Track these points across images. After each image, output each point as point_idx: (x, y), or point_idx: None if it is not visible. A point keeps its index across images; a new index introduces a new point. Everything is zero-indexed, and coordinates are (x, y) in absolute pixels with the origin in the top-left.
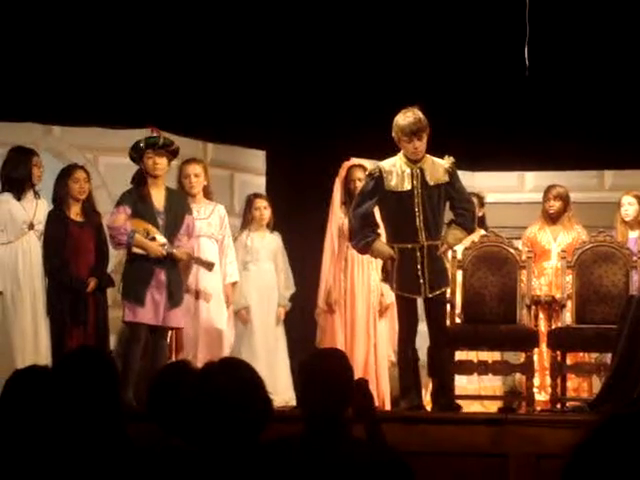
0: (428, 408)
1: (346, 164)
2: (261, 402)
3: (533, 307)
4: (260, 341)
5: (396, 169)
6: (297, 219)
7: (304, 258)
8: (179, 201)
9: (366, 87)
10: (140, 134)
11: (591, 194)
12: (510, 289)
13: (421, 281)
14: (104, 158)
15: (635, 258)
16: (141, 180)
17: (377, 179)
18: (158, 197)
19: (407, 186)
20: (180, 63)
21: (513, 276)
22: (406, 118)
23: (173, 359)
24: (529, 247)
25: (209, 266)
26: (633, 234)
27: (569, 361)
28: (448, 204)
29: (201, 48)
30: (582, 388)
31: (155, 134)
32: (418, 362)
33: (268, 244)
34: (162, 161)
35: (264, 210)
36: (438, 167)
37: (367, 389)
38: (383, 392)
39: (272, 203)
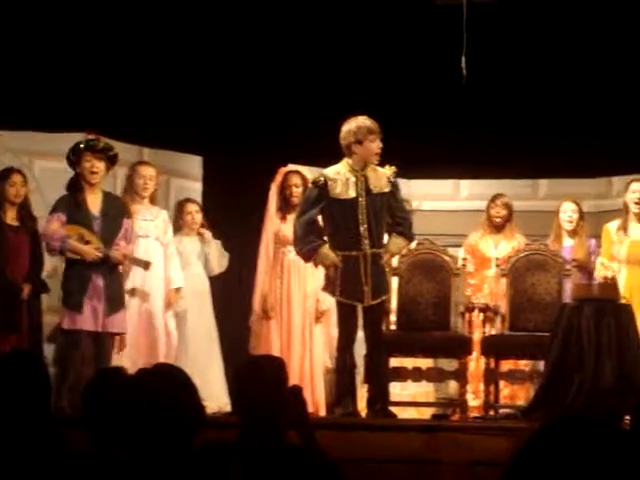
0: (363, 415)
1: (282, 170)
2: (194, 409)
3: (467, 314)
4: (194, 346)
5: (340, 177)
6: (233, 225)
7: (240, 264)
8: (116, 205)
9: (303, 94)
10: (78, 138)
11: (525, 203)
12: (444, 296)
13: (364, 289)
14: (40, 162)
15: (568, 266)
16: (77, 186)
17: (322, 187)
18: (94, 202)
19: (352, 194)
20: (117, 67)
21: (447, 283)
22: (367, 119)
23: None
24: (470, 255)
25: (145, 265)
26: (568, 242)
27: (503, 368)
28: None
29: (138, 53)
30: (518, 396)
31: (95, 137)
32: (355, 369)
33: (201, 248)
34: (100, 165)
35: (195, 214)
36: (381, 176)
37: (301, 396)
38: (318, 398)
39: (208, 208)
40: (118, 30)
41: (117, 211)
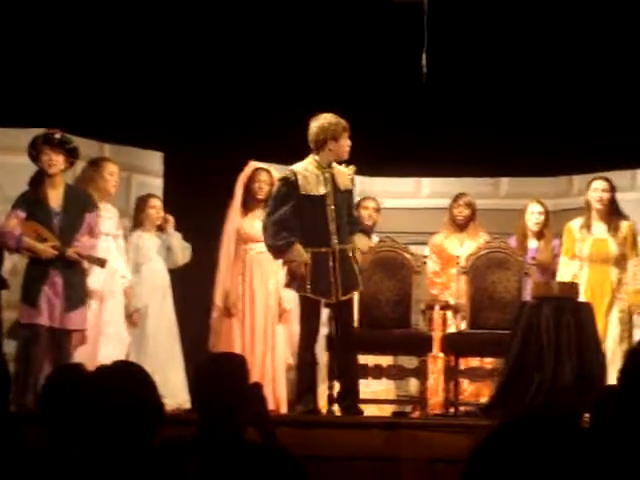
0: (323, 412)
1: (251, 166)
2: (153, 406)
3: (428, 312)
4: (154, 343)
5: (309, 173)
6: (194, 221)
7: (201, 260)
8: (79, 199)
9: (265, 92)
10: (37, 132)
11: (486, 201)
12: (405, 294)
13: (334, 285)
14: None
15: (528, 265)
16: (38, 181)
17: (292, 183)
18: (55, 197)
19: (322, 190)
20: (78, 63)
21: (408, 281)
22: (336, 117)
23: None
24: (436, 255)
25: (101, 263)
26: (533, 244)
27: (463, 366)
28: None
29: (98, 47)
30: (482, 393)
31: (54, 131)
32: (317, 366)
33: (162, 243)
34: (58, 158)
35: (160, 210)
36: (343, 174)
37: (261, 393)
38: (280, 396)
39: (169, 205)
40: (77, 25)
41: (80, 205)
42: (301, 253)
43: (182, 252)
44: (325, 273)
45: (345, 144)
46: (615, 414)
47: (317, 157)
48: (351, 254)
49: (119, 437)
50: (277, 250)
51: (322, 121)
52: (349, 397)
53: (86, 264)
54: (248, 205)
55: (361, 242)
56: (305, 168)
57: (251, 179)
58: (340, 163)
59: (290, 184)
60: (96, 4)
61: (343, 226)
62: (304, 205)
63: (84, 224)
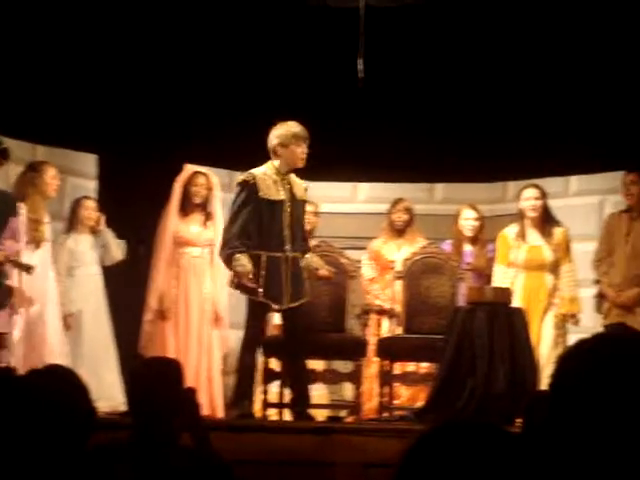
0: (258, 416)
1: (189, 169)
2: (85, 409)
3: (363, 316)
4: (88, 346)
5: (267, 177)
6: (128, 223)
7: (135, 263)
8: (2, 203)
9: (200, 94)
10: None
11: (422, 206)
12: (340, 298)
13: (285, 291)
14: None
15: (462, 270)
16: None
17: (251, 187)
18: None
19: (281, 195)
20: (10, 63)
21: (343, 285)
22: (297, 125)
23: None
24: (374, 261)
25: (27, 269)
26: (468, 248)
27: (399, 370)
28: None
29: (32, 47)
30: (419, 397)
31: None
32: (255, 370)
33: (96, 247)
34: None
35: (94, 212)
36: (299, 185)
37: (195, 398)
38: (215, 400)
39: (104, 207)
40: (6, 26)
41: (3, 209)
42: (244, 264)
43: (117, 248)
44: (277, 279)
45: (295, 152)
46: (545, 419)
47: (275, 163)
48: (302, 264)
49: (50, 441)
50: (223, 260)
51: (276, 128)
52: (301, 403)
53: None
54: (185, 209)
55: (315, 262)
56: (264, 172)
57: (188, 183)
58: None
59: (249, 187)
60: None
61: (297, 234)
62: (262, 209)
63: (7, 228)
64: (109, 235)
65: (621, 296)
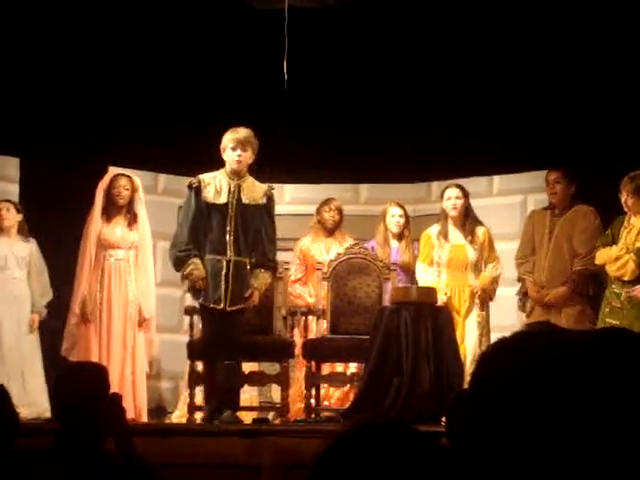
0: (184, 420)
1: (111, 172)
2: (6, 416)
3: (289, 318)
4: (8, 352)
5: (215, 182)
6: (51, 227)
7: (58, 267)
8: None
9: (126, 97)
10: None
11: (347, 207)
12: (267, 300)
13: (223, 294)
14: None
15: (387, 270)
16: None
17: (196, 189)
18: None
19: (222, 199)
20: None
21: (270, 287)
22: (234, 130)
23: None
24: (301, 260)
25: None
26: (394, 244)
27: (327, 371)
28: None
29: None
30: (349, 398)
31: None
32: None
33: (18, 251)
34: None
35: (6, 212)
36: (258, 188)
37: (119, 403)
38: (140, 404)
39: (26, 211)
40: None
41: None
42: (199, 268)
43: (45, 290)
44: (217, 281)
45: (230, 155)
46: (466, 419)
47: (226, 167)
48: (248, 268)
49: None
50: (172, 261)
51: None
52: (230, 406)
53: None
54: (109, 211)
55: (259, 279)
56: (214, 176)
57: (111, 185)
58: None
59: (193, 190)
60: None
61: (244, 238)
62: (205, 212)
63: None
64: (39, 263)
65: (547, 295)
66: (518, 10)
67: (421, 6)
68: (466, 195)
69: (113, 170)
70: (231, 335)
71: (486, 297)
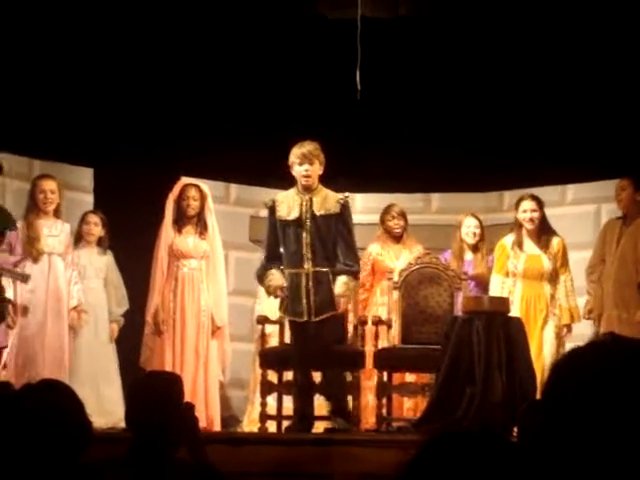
0: (248, 429)
1: (180, 182)
2: (79, 425)
3: (360, 327)
4: (86, 361)
5: (288, 199)
6: (126, 237)
7: (133, 277)
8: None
9: (198, 108)
10: None
11: (418, 216)
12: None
13: (305, 305)
14: None
15: (459, 280)
16: None
17: (270, 209)
18: None
19: (293, 215)
20: (6, 78)
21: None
22: (301, 145)
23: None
24: (371, 268)
25: (23, 278)
26: (468, 256)
27: (398, 381)
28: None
29: (27, 63)
30: (420, 408)
31: None
32: (311, 386)
33: (96, 261)
34: None
35: (94, 226)
36: (330, 198)
37: (192, 412)
38: (212, 413)
39: (104, 221)
40: (5, 39)
41: (1, 223)
42: (275, 278)
43: (122, 298)
44: (297, 294)
45: (298, 171)
46: (538, 428)
47: (297, 183)
48: (330, 277)
49: (44, 457)
50: (257, 278)
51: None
52: (340, 415)
53: (6, 280)
54: (180, 222)
55: (340, 287)
56: (286, 195)
57: (180, 196)
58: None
59: (269, 210)
60: (20, 18)
61: (320, 249)
62: (282, 229)
63: (4, 241)
64: (116, 274)
65: (636, 315)
66: (594, 22)
67: (493, 16)
68: (542, 207)
69: (182, 181)
70: (321, 345)
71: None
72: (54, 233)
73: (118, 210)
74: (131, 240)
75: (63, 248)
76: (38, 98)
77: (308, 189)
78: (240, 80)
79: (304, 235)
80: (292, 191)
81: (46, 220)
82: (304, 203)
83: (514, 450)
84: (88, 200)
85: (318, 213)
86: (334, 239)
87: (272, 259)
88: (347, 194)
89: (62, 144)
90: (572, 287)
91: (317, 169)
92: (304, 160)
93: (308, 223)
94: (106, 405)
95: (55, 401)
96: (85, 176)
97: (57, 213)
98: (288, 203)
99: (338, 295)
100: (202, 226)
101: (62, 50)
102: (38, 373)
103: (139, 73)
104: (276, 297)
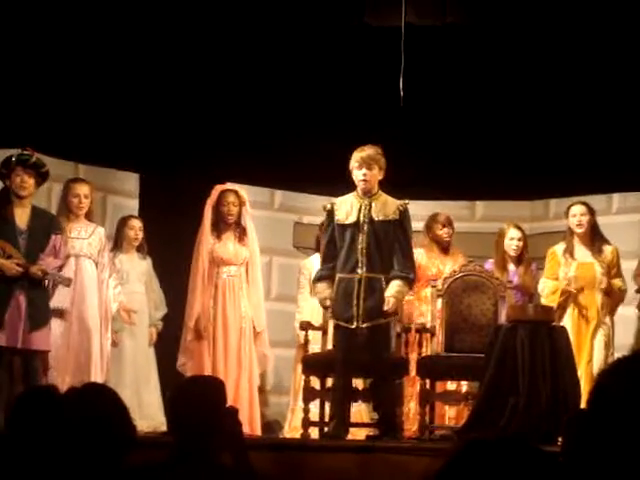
0: (297, 435)
1: (218, 188)
2: (123, 429)
3: (403, 335)
4: (129, 364)
5: (346, 203)
6: (170, 242)
7: (176, 282)
8: (45, 220)
9: (242, 114)
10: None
11: (462, 224)
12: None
13: (355, 311)
14: None
15: (503, 288)
16: (5, 199)
17: (329, 212)
18: (22, 216)
19: (351, 219)
20: (53, 82)
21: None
22: (360, 149)
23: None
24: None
25: (67, 282)
26: (511, 267)
27: (441, 389)
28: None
29: (73, 67)
30: (463, 416)
31: (28, 152)
32: (349, 392)
33: (138, 266)
34: (29, 181)
35: (139, 231)
36: (390, 204)
37: (236, 417)
38: (255, 419)
39: (145, 226)
40: (51, 45)
41: (45, 226)
42: (321, 290)
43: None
44: (348, 299)
45: (356, 175)
46: (582, 436)
47: (357, 187)
48: (383, 284)
49: (88, 459)
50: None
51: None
52: (388, 423)
53: (51, 284)
54: (219, 228)
55: (391, 289)
56: (345, 199)
57: (219, 202)
58: (399, 197)
59: (327, 213)
60: (69, 25)
61: (376, 255)
62: (338, 232)
63: (49, 245)
64: (154, 279)
65: None
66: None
67: (541, 24)
68: (592, 212)
69: (220, 186)
70: (373, 352)
71: (612, 304)
72: (83, 236)
73: (162, 215)
74: (174, 246)
75: (94, 251)
76: (85, 104)
77: (367, 193)
78: (286, 88)
79: (360, 240)
80: (351, 195)
81: (76, 223)
82: (363, 207)
83: (545, 458)
84: (130, 205)
85: (376, 218)
86: (391, 245)
87: (328, 262)
88: (407, 201)
89: (108, 149)
90: (625, 288)
91: (376, 174)
92: (362, 164)
93: (365, 228)
94: (146, 409)
95: (100, 405)
96: (129, 181)
97: (88, 216)
98: (347, 207)
99: (388, 296)
100: (241, 231)
101: (112, 56)
102: (63, 376)
103: (187, 80)
104: (325, 308)
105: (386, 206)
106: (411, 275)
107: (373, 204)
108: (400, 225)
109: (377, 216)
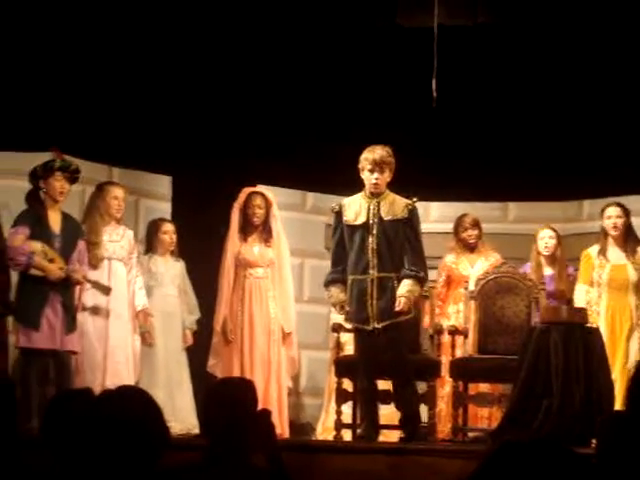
0: (323, 437)
1: (245, 190)
2: (157, 430)
3: (436, 337)
4: (162, 367)
5: (355, 204)
6: (202, 245)
7: (208, 285)
8: (73, 226)
9: (273, 115)
10: (43, 158)
11: (495, 225)
12: (415, 319)
13: (369, 312)
14: (3, 182)
15: (536, 290)
16: (39, 201)
17: (337, 214)
18: (55, 220)
19: (360, 220)
20: (85, 85)
21: (418, 306)
22: (371, 149)
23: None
24: (446, 274)
25: (106, 290)
26: (548, 271)
27: (473, 391)
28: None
29: (105, 71)
30: (496, 418)
31: (59, 158)
32: (375, 393)
33: (172, 269)
34: (67, 187)
35: (173, 235)
36: (398, 203)
37: (269, 419)
38: (284, 420)
39: (177, 229)
40: (84, 49)
41: (73, 231)
42: (335, 295)
43: (194, 308)
44: (362, 300)
45: (367, 178)
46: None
47: (365, 188)
48: (395, 283)
49: (122, 462)
50: (324, 286)
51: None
52: (409, 424)
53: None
54: (246, 231)
55: (402, 289)
56: (353, 199)
57: (246, 205)
58: (408, 196)
59: (335, 215)
60: (102, 28)
61: (388, 254)
62: (348, 233)
63: (75, 250)
64: (187, 282)
65: None
66: None
67: (574, 23)
68: (627, 214)
69: (247, 189)
70: (391, 352)
71: None
72: (115, 239)
73: (194, 219)
74: (206, 248)
75: (125, 253)
76: (119, 107)
77: (376, 195)
78: (320, 90)
79: (370, 240)
80: (359, 195)
81: (109, 226)
82: (371, 207)
83: (578, 460)
84: (162, 208)
85: (385, 218)
86: (401, 244)
87: (338, 265)
88: (415, 199)
89: (140, 152)
90: None
91: (387, 177)
92: (375, 168)
93: (375, 228)
94: (179, 411)
95: (134, 407)
96: (162, 184)
97: (119, 220)
98: (355, 208)
99: (399, 295)
100: (267, 233)
101: (146, 60)
102: (100, 377)
103: (221, 84)
104: (341, 313)
105: (394, 205)
106: (421, 273)
107: (381, 204)
108: (409, 224)
109: (386, 216)
